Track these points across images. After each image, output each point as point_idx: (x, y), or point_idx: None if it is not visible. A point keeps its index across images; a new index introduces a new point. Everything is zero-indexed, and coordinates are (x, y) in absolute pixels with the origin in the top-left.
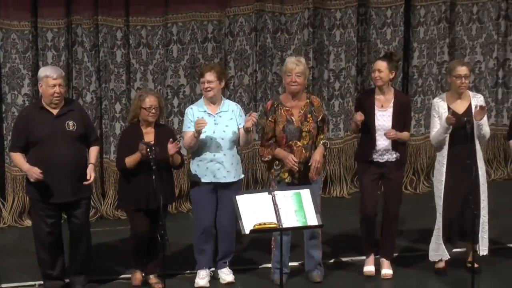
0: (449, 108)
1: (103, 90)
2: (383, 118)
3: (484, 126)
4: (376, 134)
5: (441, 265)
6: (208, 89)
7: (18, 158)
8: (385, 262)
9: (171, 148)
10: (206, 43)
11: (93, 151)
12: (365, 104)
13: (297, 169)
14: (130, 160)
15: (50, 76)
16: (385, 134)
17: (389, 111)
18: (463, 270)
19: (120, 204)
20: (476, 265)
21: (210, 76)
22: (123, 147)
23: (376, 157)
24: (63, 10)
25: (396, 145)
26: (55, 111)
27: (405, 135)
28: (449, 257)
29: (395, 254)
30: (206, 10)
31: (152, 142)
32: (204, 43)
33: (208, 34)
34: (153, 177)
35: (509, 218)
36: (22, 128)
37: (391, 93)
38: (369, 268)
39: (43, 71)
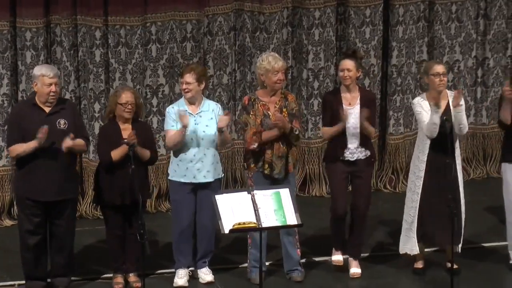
0: (431, 107)
1: (82, 90)
2: (352, 116)
3: (463, 116)
4: (347, 133)
5: (420, 265)
6: (186, 90)
7: (18, 145)
8: (354, 262)
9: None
10: (185, 43)
11: (79, 139)
12: (333, 103)
13: (281, 119)
14: (116, 154)
15: (46, 74)
16: (361, 111)
17: (357, 108)
18: (441, 270)
19: (96, 201)
20: (455, 266)
21: (189, 77)
22: (104, 143)
23: (347, 156)
24: (41, 10)
25: (365, 142)
26: (47, 109)
27: (371, 129)
28: (418, 251)
29: (373, 253)
30: (185, 10)
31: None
32: (183, 43)
33: (187, 34)
34: (131, 174)
35: (488, 217)
36: (16, 124)
37: (356, 91)
38: (337, 258)
39: (38, 70)
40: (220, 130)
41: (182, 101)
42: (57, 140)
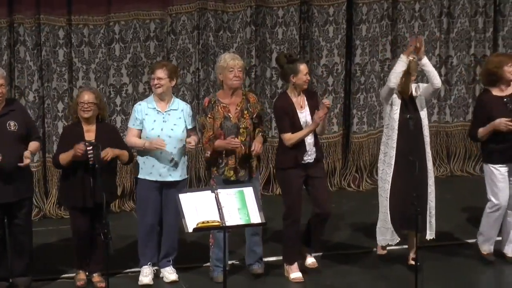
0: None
1: (46, 89)
2: (306, 118)
3: (429, 67)
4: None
5: (382, 252)
6: (158, 85)
7: None
8: (309, 255)
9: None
10: (149, 42)
11: (33, 143)
12: (288, 109)
13: (242, 148)
14: (64, 158)
15: None
16: (323, 103)
17: (307, 109)
18: (404, 267)
19: (60, 202)
20: (414, 262)
21: (161, 73)
22: (61, 145)
23: (307, 159)
24: (5, 9)
25: (317, 141)
26: None
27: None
28: (399, 239)
29: (337, 252)
30: (149, 9)
31: (93, 140)
32: (146, 42)
33: (150, 33)
34: (91, 176)
35: (452, 216)
36: None
37: (302, 93)
38: (297, 275)
39: None
40: (190, 148)
41: (151, 98)
42: (8, 142)
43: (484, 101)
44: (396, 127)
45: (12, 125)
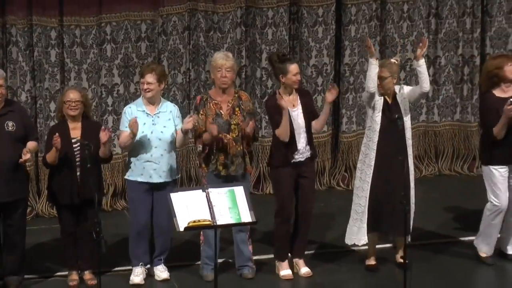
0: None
1: (38, 90)
2: (298, 117)
3: (423, 69)
4: (296, 134)
5: (372, 261)
6: (147, 90)
7: None
8: (300, 261)
9: (103, 136)
10: (140, 42)
11: (31, 143)
12: (279, 108)
13: (221, 135)
14: (48, 156)
15: None
16: (327, 95)
17: (299, 108)
18: (393, 266)
19: (49, 200)
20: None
21: (150, 77)
22: (49, 143)
23: (298, 157)
24: None
25: (310, 141)
26: None
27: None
28: (366, 241)
29: (326, 250)
30: (140, 10)
31: (79, 137)
32: (137, 42)
33: (141, 34)
34: (78, 174)
35: (440, 215)
36: None
37: (294, 92)
38: (287, 272)
39: None
40: (185, 132)
41: (140, 101)
42: (5, 142)
43: (489, 102)
44: (378, 129)
45: (10, 125)
